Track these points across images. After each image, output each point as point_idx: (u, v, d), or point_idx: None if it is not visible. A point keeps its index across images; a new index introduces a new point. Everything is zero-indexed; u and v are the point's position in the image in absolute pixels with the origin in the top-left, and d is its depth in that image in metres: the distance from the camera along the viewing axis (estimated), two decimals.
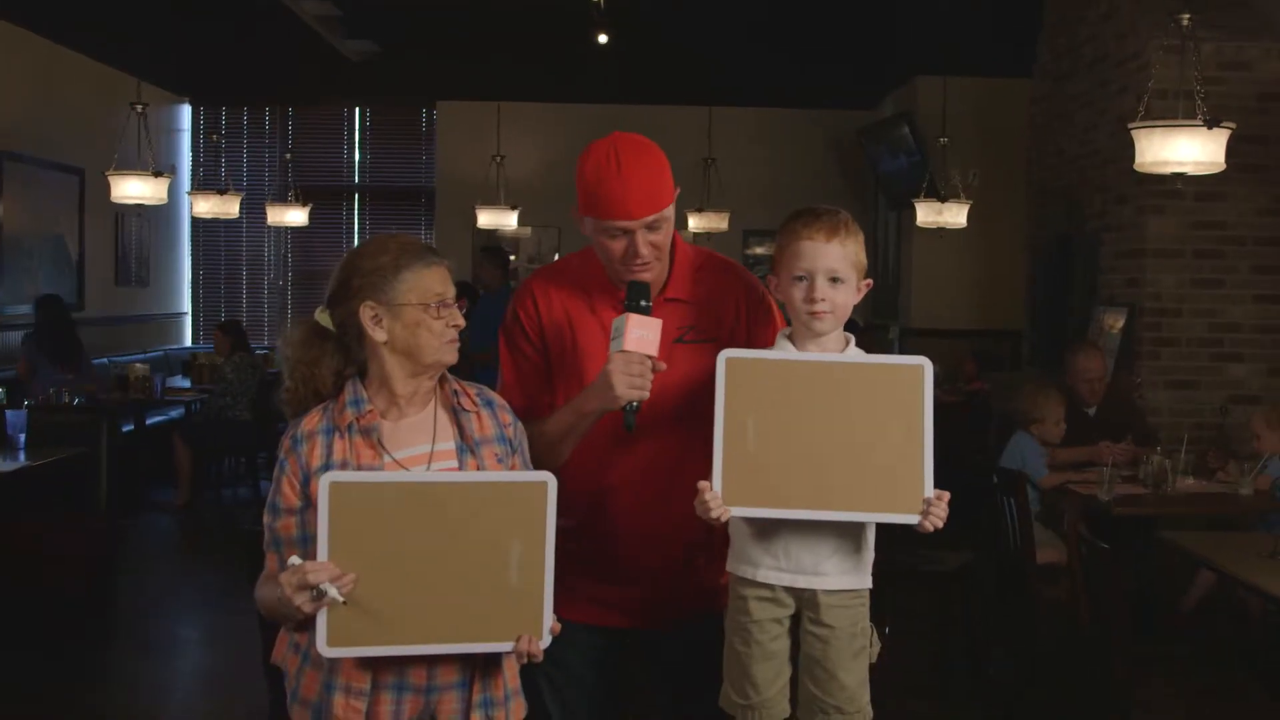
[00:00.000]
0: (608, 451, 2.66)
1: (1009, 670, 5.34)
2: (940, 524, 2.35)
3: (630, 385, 2.47)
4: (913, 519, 2.35)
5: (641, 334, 2.48)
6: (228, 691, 5.46)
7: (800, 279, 2.45)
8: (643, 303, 2.53)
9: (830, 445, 2.36)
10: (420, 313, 2.35)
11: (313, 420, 2.38)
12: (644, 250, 2.56)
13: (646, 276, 2.60)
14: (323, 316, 2.42)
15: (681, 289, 2.71)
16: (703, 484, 2.37)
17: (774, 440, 2.37)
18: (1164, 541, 5.05)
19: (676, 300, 2.70)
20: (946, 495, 2.36)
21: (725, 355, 2.41)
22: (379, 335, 2.35)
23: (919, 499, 2.35)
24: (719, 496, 2.36)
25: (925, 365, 2.38)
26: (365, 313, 2.35)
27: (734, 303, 2.72)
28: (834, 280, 2.44)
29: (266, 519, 2.38)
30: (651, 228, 2.56)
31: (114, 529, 6.64)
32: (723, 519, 2.37)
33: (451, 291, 2.41)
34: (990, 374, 9.85)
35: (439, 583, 2.24)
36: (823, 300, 2.43)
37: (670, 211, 2.60)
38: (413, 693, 2.34)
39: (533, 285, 2.78)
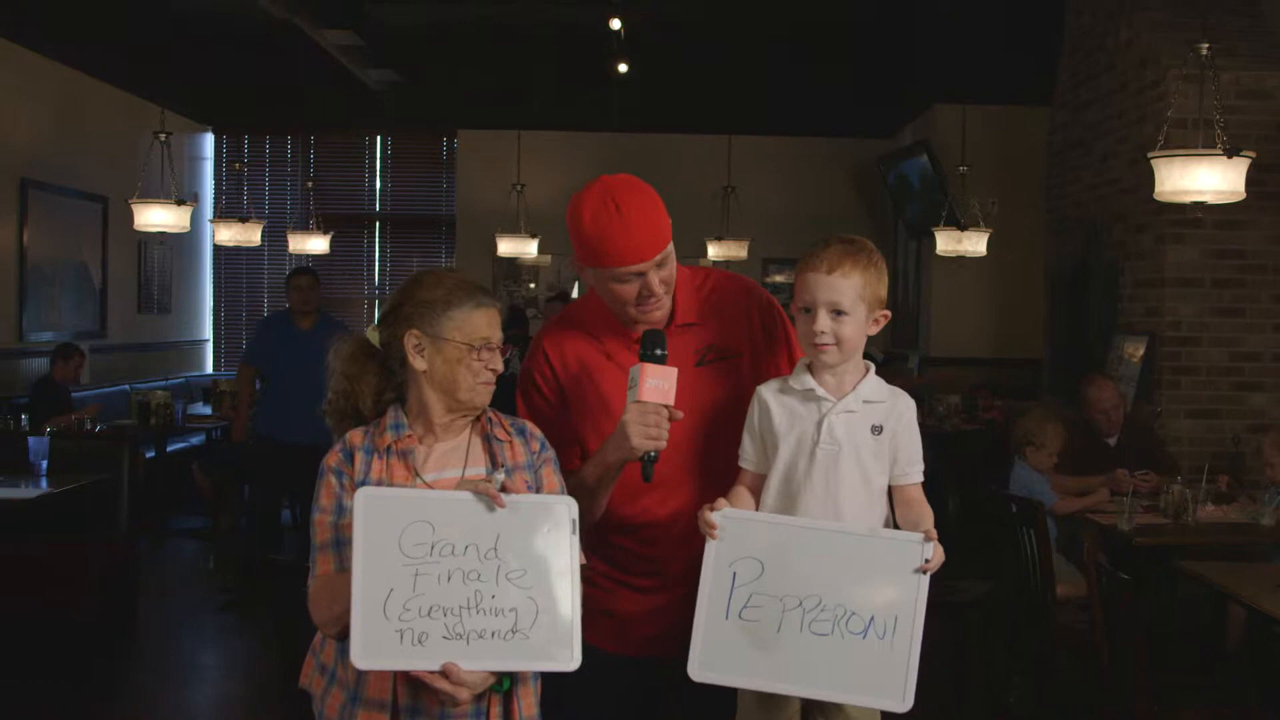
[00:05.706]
0: (641, 480, 2.65)
1: (1027, 701, 5.30)
2: (935, 569, 2.34)
3: (646, 436, 2.46)
4: (894, 706, 2.32)
5: (656, 383, 2.46)
6: (245, 718, 5.47)
7: (805, 311, 2.45)
8: (658, 351, 2.50)
9: (816, 620, 2.32)
10: (462, 351, 2.39)
11: (356, 437, 2.43)
12: (658, 289, 2.56)
13: (659, 315, 2.60)
14: (373, 334, 2.49)
15: (692, 313, 2.70)
16: (719, 504, 2.38)
17: (758, 608, 2.34)
18: (1183, 572, 5.01)
19: (690, 325, 2.69)
20: (937, 548, 2.34)
21: (723, 513, 2.38)
22: (419, 364, 2.40)
23: (901, 687, 2.31)
24: (719, 526, 2.36)
25: (921, 540, 2.34)
26: (409, 340, 2.40)
27: (745, 314, 2.70)
28: (837, 313, 2.43)
29: (320, 520, 2.39)
30: (661, 264, 2.56)
31: (135, 554, 6.66)
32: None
33: (498, 336, 2.44)
34: (1010, 402, 9.82)
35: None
36: (823, 333, 2.42)
37: (672, 244, 2.60)
38: (425, 719, 2.35)
39: (543, 342, 2.76)
